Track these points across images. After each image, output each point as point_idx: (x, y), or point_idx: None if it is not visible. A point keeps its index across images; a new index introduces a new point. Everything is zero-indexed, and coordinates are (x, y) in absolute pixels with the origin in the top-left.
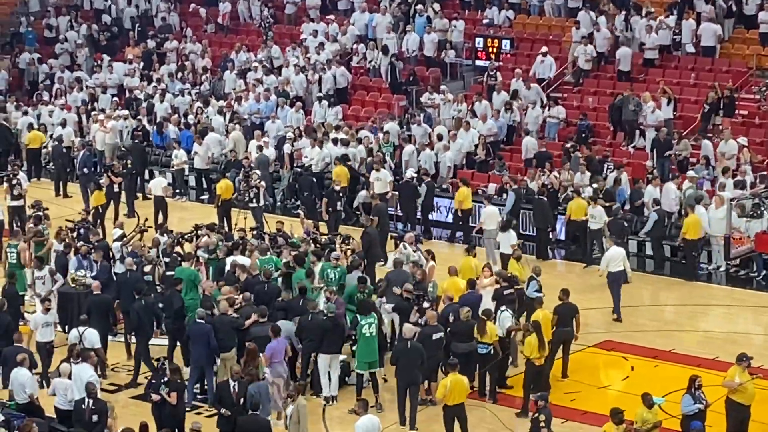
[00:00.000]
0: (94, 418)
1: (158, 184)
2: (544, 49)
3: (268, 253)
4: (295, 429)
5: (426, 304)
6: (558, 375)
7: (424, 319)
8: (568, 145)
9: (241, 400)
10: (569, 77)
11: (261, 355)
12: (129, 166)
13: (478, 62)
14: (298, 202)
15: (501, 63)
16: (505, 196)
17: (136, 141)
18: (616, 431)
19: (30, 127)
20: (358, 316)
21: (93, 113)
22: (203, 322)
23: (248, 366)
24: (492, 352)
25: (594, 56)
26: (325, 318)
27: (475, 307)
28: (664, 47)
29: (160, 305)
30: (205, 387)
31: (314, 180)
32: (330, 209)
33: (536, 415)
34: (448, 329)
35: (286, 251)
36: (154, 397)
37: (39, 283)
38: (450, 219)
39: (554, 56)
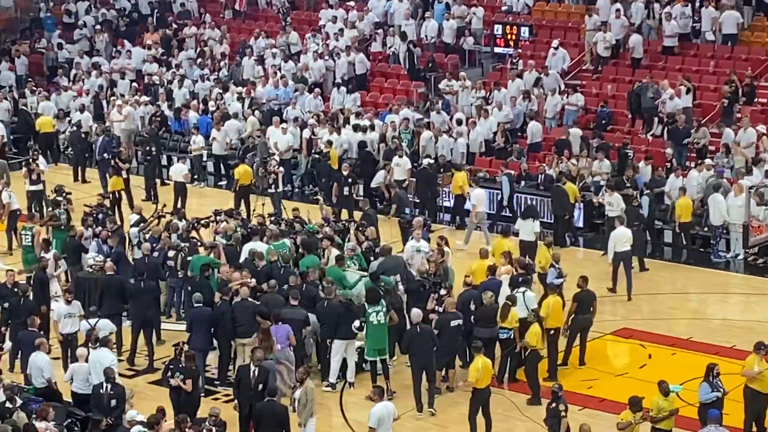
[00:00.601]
0: (113, 402)
1: (178, 170)
2: (555, 42)
3: (281, 238)
4: (303, 412)
5: (443, 291)
6: (575, 362)
7: (443, 306)
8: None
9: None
10: (588, 65)
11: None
12: (153, 152)
13: (496, 49)
14: (316, 188)
15: (520, 50)
16: (523, 183)
17: (153, 127)
18: (633, 419)
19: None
20: (366, 304)
21: (111, 99)
22: (202, 305)
23: (261, 344)
24: (512, 336)
25: (612, 43)
26: (339, 303)
27: (496, 292)
28: (683, 35)
29: (189, 289)
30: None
31: (332, 166)
32: (337, 195)
33: (554, 404)
34: (472, 315)
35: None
36: (173, 381)
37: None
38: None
39: (573, 43)
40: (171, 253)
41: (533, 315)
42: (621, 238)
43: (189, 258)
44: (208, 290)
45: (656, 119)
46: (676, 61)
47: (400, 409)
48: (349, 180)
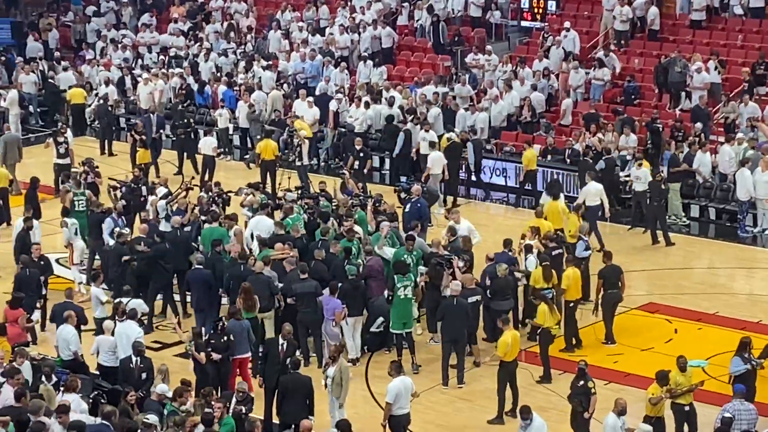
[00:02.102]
0: (143, 375)
1: (207, 144)
2: (567, 23)
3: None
4: (338, 390)
5: (460, 263)
6: (602, 337)
7: (458, 283)
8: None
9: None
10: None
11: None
12: (188, 124)
13: (523, 23)
14: (341, 162)
15: (547, 24)
16: (549, 157)
17: (179, 100)
18: (661, 393)
19: (76, 85)
20: (395, 276)
21: (137, 72)
22: (201, 267)
23: (244, 303)
24: (552, 295)
25: (630, 17)
26: (349, 280)
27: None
28: (711, 8)
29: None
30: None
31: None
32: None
33: (581, 382)
34: (488, 290)
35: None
36: (214, 356)
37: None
38: (494, 180)
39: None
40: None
41: (537, 295)
42: (592, 192)
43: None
44: (220, 265)
45: (683, 93)
46: (704, 35)
47: (422, 384)
48: (361, 154)
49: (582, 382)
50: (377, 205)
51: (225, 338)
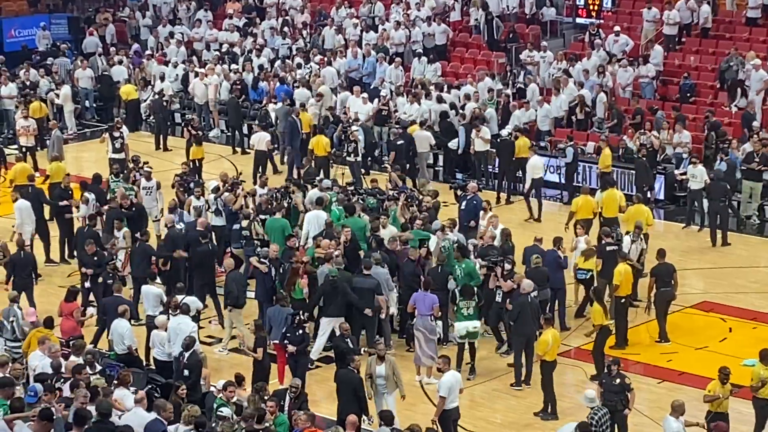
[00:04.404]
0: (185, 372)
1: (260, 139)
2: (617, 28)
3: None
4: (392, 386)
5: (507, 266)
6: (655, 336)
7: (518, 285)
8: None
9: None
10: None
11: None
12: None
13: (578, 20)
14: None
15: (602, 21)
16: (596, 156)
17: (233, 96)
18: (722, 390)
19: (127, 80)
20: (456, 292)
21: (194, 68)
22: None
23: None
24: (590, 276)
25: (678, 20)
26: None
27: (551, 265)
28: (767, 6)
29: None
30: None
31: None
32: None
33: (618, 379)
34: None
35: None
36: (290, 348)
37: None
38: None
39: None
40: (244, 223)
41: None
42: (536, 165)
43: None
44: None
45: (739, 91)
46: (760, 33)
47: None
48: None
49: (619, 380)
50: (408, 201)
51: (301, 331)
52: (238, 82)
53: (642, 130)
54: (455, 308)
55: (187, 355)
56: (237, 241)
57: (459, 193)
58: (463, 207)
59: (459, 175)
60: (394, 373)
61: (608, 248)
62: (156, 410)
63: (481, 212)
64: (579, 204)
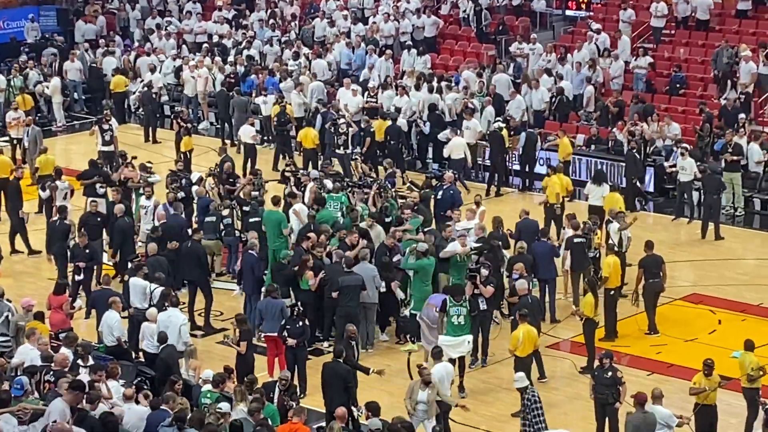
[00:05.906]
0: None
1: (246, 132)
2: (597, 26)
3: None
4: (432, 411)
5: (485, 272)
6: (644, 328)
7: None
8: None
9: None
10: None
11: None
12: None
13: (568, 12)
14: (385, 151)
15: (592, 13)
16: (593, 147)
17: (223, 88)
18: (708, 382)
19: (115, 71)
20: (447, 298)
21: (183, 60)
22: (253, 252)
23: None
24: (597, 256)
25: (665, 13)
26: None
27: (545, 256)
28: None
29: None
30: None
31: (401, 128)
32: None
33: (609, 372)
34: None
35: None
36: (289, 341)
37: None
38: (537, 170)
39: (646, 6)
40: (225, 212)
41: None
42: (457, 145)
43: (255, 219)
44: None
45: (729, 83)
46: (750, 25)
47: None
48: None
49: (610, 373)
50: (380, 191)
51: (300, 323)
52: (232, 75)
53: (632, 121)
54: (445, 316)
55: (161, 347)
56: (209, 233)
57: (435, 183)
58: (439, 197)
59: (435, 165)
60: (438, 394)
61: (576, 240)
62: (165, 401)
63: (474, 206)
64: (552, 180)
